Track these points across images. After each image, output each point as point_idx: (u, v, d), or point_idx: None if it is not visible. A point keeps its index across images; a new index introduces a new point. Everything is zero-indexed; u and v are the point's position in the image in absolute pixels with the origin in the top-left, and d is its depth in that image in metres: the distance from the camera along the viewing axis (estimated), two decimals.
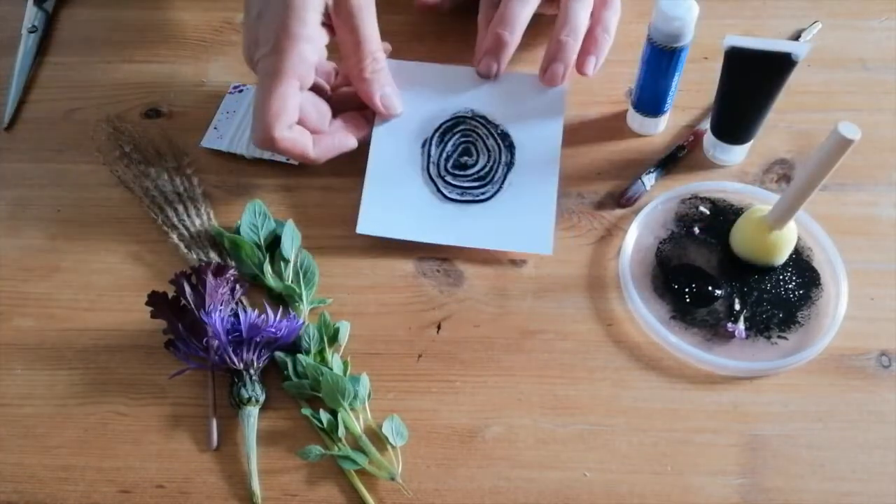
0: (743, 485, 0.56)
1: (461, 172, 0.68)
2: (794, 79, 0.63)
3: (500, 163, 0.68)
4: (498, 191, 0.67)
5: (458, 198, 0.67)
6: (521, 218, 0.66)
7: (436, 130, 0.69)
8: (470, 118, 0.70)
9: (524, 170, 0.68)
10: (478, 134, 0.69)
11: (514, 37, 0.69)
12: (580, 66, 0.71)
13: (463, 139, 0.69)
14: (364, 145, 0.68)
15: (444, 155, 0.68)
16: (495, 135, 0.69)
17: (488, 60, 0.70)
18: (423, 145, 0.69)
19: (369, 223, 0.66)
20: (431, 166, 0.68)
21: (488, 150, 0.68)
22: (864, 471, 0.57)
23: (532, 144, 0.69)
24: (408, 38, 0.73)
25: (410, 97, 0.70)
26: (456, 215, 0.67)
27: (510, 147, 0.69)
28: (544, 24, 0.73)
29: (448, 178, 0.68)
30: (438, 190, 0.67)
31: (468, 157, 0.68)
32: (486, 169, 0.68)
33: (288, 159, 0.71)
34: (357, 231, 0.65)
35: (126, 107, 0.75)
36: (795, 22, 0.79)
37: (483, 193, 0.67)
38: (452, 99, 0.71)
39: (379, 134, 0.69)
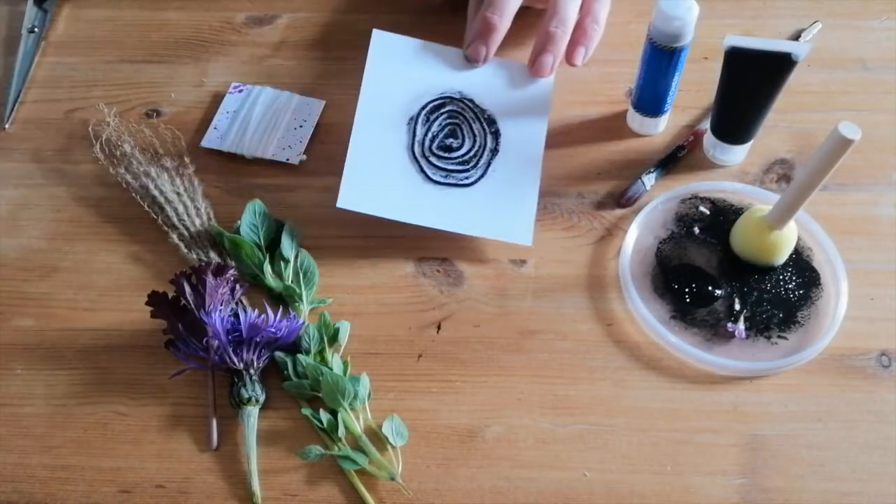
0: (743, 485, 0.56)
1: (446, 155, 0.67)
2: (794, 79, 0.63)
3: (485, 148, 0.68)
4: (482, 177, 0.67)
5: (442, 180, 0.67)
6: (503, 206, 0.66)
7: (422, 108, 0.69)
8: (458, 99, 0.69)
9: (509, 158, 0.68)
10: (464, 116, 0.69)
11: (504, 21, 0.69)
12: (569, 57, 0.70)
13: (449, 120, 0.68)
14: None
15: (430, 135, 0.68)
16: (482, 119, 0.69)
17: (477, 44, 0.69)
18: (409, 122, 0.68)
19: (351, 198, 0.65)
20: (416, 145, 0.67)
21: (474, 135, 0.68)
22: (864, 471, 0.57)
23: (518, 133, 0.69)
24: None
25: (398, 70, 0.69)
26: (438, 198, 0.66)
27: (496, 133, 0.68)
28: (534, 19, 0.73)
29: (432, 160, 0.67)
30: (422, 170, 0.67)
31: (454, 139, 0.68)
32: (471, 153, 0.68)
33: (287, 159, 0.71)
34: (338, 205, 0.64)
35: (126, 107, 0.75)
36: (795, 22, 0.79)
37: (466, 178, 0.67)
38: (441, 78, 0.70)
39: (364, 105, 0.68)
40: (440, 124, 0.68)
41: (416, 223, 0.65)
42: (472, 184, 0.67)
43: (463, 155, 0.67)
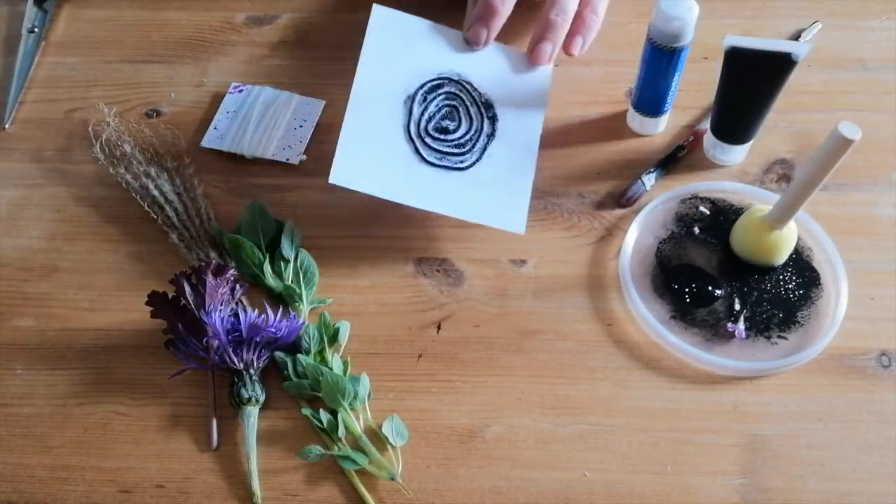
0: (743, 485, 0.56)
1: (442, 137, 0.66)
2: (794, 79, 0.63)
3: (481, 132, 0.67)
4: (477, 161, 0.66)
5: (437, 162, 0.66)
6: (498, 193, 0.65)
7: (420, 87, 0.68)
8: (456, 81, 0.69)
9: (505, 144, 0.67)
10: (462, 99, 0.68)
11: (505, 6, 0.68)
12: (567, 47, 0.70)
13: (447, 102, 0.68)
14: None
15: (427, 115, 0.67)
16: (479, 102, 0.68)
17: (478, 27, 0.69)
18: (406, 101, 0.67)
19: (343, 174, 0.63)
20: (412, 125, 0.66)
21: (471, 118, 0.67)
22: (864, 471, 0.57)
23: (514, 120, 0.68)
24: None
25: (397, 47, 0.68)
26: (432, 180, 0.65)
27: (493, 118, 0.68)
28: (534, 13, 0.73)
29: (428, 141, 0.66)
30: (417, 151, 0.66)
31: (450, 121, 0.67)
32: (468, 137, 0.67)
33: (287, 159, 0.71)
34: (329, 181, 0.62)
35: (126, 107, 0.75)
36: (795, 22, 0.79)
37: (461, 161, 0.66)
38: (440, 59, 0.69)
39: (360, 80, 0.66)
40: (437, 105, 0.67)
41: (409, 204, 0.64)
42: (467, 168, 0.66)
43: (459, 138, 0.67)
